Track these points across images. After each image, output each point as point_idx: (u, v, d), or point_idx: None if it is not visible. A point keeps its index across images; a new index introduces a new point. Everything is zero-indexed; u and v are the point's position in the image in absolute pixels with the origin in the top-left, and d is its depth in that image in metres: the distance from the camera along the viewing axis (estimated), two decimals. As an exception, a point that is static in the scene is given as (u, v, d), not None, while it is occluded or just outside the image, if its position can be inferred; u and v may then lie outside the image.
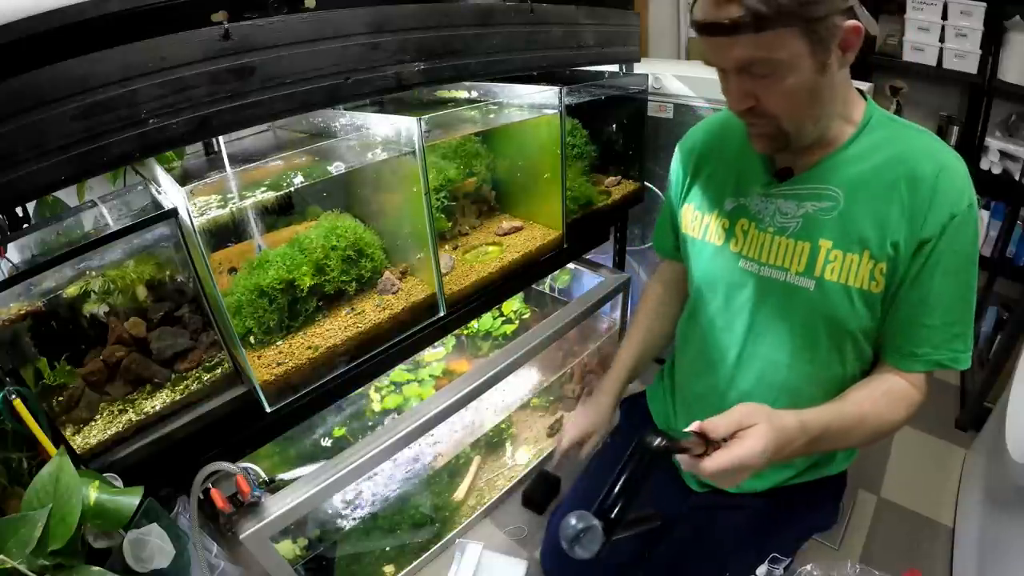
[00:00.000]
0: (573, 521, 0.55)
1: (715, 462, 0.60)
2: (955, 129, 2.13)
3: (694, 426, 0.63)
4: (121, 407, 0.81)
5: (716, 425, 0.62)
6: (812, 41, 0.61)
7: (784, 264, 0.79)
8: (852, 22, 0.62)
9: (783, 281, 0.80)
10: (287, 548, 1.09)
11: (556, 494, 1.49)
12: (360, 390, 1.21)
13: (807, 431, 0.67)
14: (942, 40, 1.91)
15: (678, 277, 1.05)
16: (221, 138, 1.01)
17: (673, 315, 1.07)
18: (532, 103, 1.17)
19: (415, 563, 1.31)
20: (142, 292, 0.86)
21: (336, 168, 0.88)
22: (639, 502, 0.57)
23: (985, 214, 2.10)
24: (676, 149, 0.97)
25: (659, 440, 0.58)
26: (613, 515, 0.55)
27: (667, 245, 1.05)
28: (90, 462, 0.74)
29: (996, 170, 1.99)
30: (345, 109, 1.01)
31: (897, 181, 0.72)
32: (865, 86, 1.63)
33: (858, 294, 0.75)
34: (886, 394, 0.77)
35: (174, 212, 0.74)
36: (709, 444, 0.62)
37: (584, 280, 1.65)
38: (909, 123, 0.77)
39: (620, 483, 0.57)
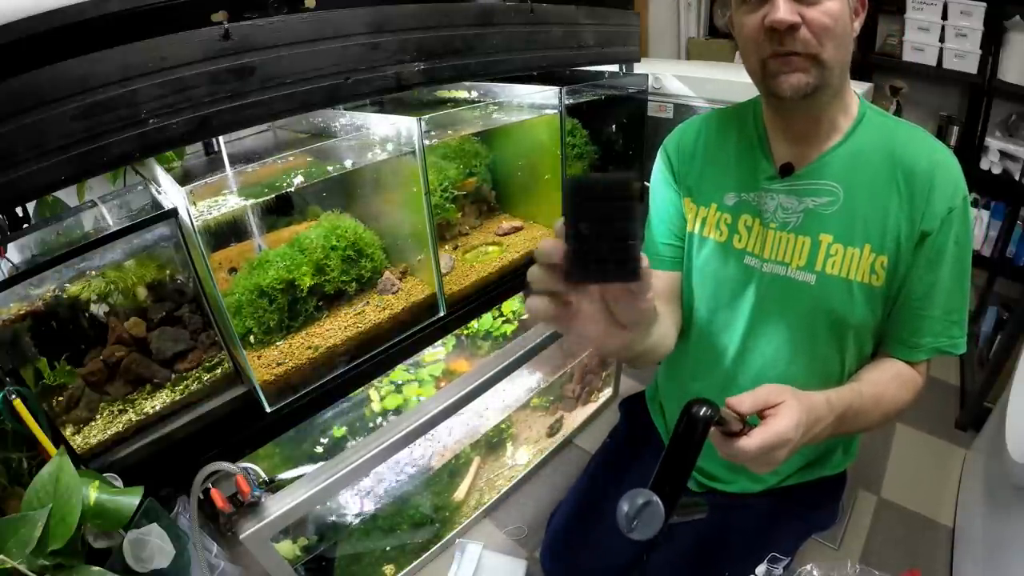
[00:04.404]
0: (630, 499, 0.50)
1: (755, 440, 0.58)
2: (955, 129, 2.13)
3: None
4: (121, 407, 0.81)
5: (741, 400, 0.61)
6: None
7: (785, 259, 0.80)
8: None
9: (784, 276, 0.80)
10: (287, 548, 1.09)
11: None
12: (360, 390, 1.21)
13: (833, 408, 0.66)
14: (942, 40, 1.91)
15: (668, 286, 0.95)
16: (221, 138, 1.01)
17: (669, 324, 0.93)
18: (532, 103, 1.17)
19: (415, 563, 1.31)
20: (142, 292, 0.86)
21: (335, 169, 0.88)
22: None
23: (985, 214, 2.10)
24: (662, 148, 0.95)
25: (706, 409, 0.54)
26: (672, 489, 0.51)
27: (648, 253, 0.92)
28: (90, 462, 0.74)
29: (996, 170, 1.99)
30: (345, 109, 1.01)
31: (894, 176, 0.73)
32: (865, 86, 1.64)
33: (859, 288, 0.76)
34: (895, 377, 0.78)
35: (174, 212, 0.75)
36: (744, 425, 0.60)
37: (584, 280, 1.64)
38: (899, 119, 0.78)
39: (674, 456, 0.53)
